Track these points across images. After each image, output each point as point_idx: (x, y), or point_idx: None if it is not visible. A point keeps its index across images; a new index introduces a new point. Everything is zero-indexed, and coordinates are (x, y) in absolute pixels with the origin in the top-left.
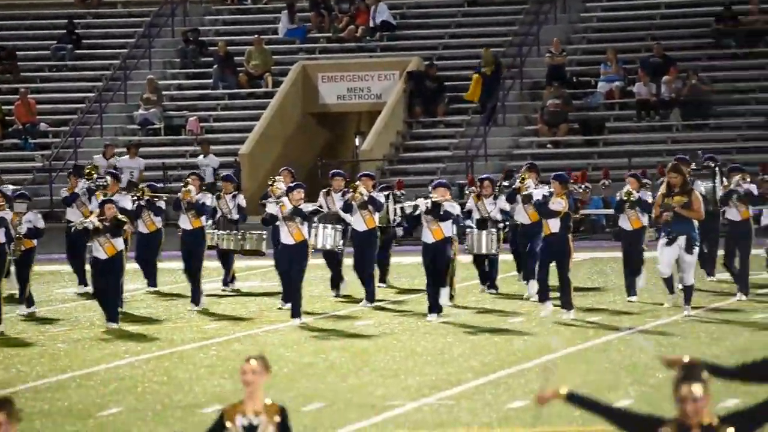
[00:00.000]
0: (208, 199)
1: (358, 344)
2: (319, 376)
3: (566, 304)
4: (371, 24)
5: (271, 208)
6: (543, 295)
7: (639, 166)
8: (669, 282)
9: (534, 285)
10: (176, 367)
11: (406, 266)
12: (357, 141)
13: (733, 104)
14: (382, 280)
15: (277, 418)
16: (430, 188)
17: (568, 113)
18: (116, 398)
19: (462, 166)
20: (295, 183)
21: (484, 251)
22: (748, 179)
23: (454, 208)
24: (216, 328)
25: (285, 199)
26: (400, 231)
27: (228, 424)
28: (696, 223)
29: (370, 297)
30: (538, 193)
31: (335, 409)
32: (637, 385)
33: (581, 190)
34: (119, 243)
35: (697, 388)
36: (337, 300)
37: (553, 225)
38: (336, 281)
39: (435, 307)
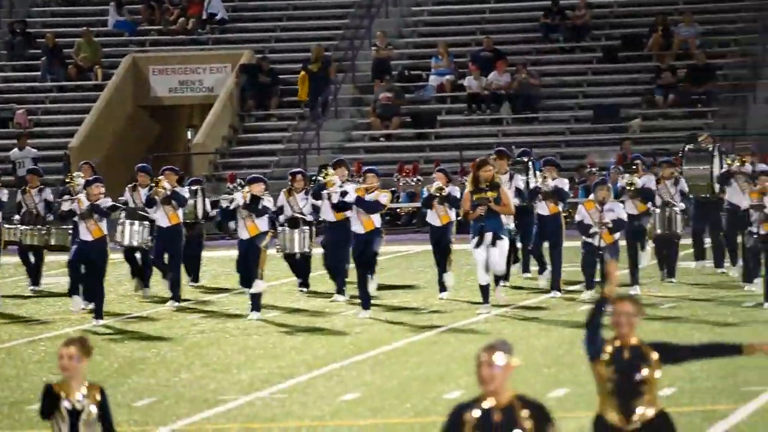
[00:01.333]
0: (4, 195)
1: (191, 339)
2: (150, 371)
3: (365, 301)
4: (204, 16)
5: (67, 205)
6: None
7: (470, 158)
8: (485, 291)
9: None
10: (4, 364)
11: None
12: (189, 134)
13: (561, 98)
14: (195, 279)
15: (98, 397)
16: (239, 183)
17: (400, 106)
18: None
19: (295, 159)
20: (94, 177)
21: (296, 250)
22: (549, 175)
23: (271, 203)
24: (45, 323)
25: (82, 195)
26: (232, 225)
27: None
28: (506, 218)
29: (176, 297)
30: (351, 188)
31: (167, 404)
32: (467, 376)
33: (413, 183)
34: None
35: (499, 357)
36: (142, 299)
37: (376, 220)
38: (142, 278)
39: (255, 306)
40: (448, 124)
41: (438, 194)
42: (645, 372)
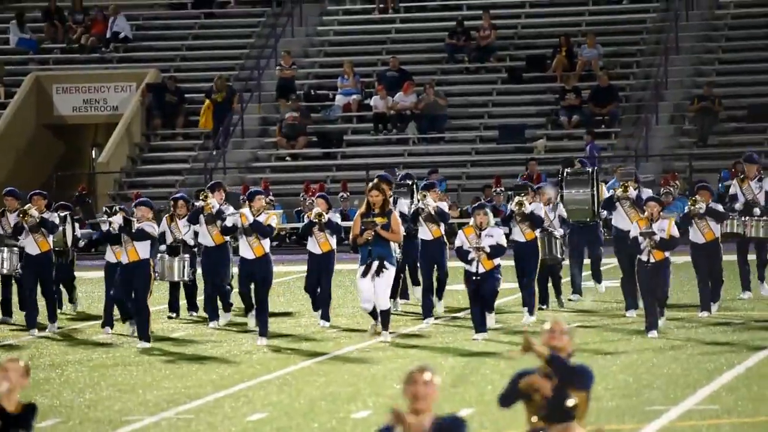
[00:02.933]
0: None
1: (96, 359)
2: (54, 392)
3: (263, 329)
4: (107, 35)
5: None
6: (248, 310)
7: None
8: (374, 313)
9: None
10: None
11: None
12: (93, 153)
13: (466, 118)
14: (70, 300)
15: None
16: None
17: (307, 126)
18: None
19: (201, 178)
20: None
21: (176, 278)
22: (428, 197)
23: (154, 229)
24: None
25: None
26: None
27: None
28: (394, 245)
29: (52, 318)
30: (246, 211)
31: (71, 425)
32: (375, 396)
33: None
34: None
35: (427, 375)
36: (11, 328)
37: (266, 245)
38: (7, 308)
39: (143, 336)
40: (355, 144)
41: (318, 221)
42: (572, 398)
